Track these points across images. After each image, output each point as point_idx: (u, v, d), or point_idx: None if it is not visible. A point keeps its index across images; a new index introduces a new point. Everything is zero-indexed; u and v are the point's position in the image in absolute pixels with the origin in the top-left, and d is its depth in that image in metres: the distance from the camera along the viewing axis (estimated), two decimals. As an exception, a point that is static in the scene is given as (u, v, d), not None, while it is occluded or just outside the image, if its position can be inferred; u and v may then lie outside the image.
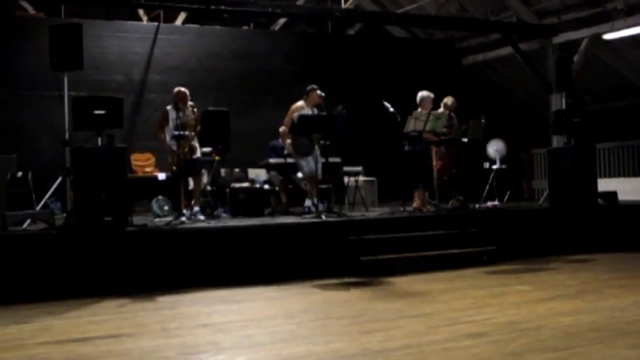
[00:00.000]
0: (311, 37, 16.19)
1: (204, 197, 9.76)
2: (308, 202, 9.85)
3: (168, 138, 9.22)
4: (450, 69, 15.75)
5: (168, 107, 9.26)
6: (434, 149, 10.39)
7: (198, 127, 9.38)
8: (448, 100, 10.65)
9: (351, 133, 12.50)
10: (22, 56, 12.27)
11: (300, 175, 9.98)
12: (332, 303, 6.89)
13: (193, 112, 9.28)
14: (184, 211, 9.18)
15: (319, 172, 9.64)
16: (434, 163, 10.45)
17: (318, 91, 9.75)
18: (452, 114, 10.73)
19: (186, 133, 9.08)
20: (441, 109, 10.43)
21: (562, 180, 10.88)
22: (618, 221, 10.72)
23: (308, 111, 9.68)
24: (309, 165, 9.64)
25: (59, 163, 9.52)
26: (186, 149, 8.99)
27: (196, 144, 9.28)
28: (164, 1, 11.90)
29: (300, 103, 9.79)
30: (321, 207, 9.70)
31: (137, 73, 13.33)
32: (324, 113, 9.65)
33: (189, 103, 9.35)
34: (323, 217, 9.09)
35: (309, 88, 9.84)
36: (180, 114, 9.16)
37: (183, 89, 9.38)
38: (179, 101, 9.26)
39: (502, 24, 14.64)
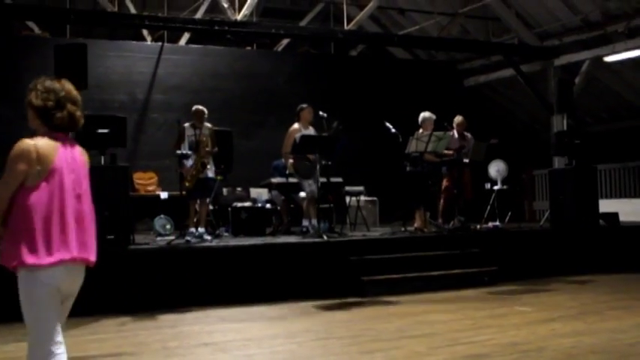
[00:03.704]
0: (314, 58, 16.27)
1: (207, 217, 9.77)
2: (306, 222, 9.89)
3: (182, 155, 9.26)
4: (452, 90, 15.82)
5: (186, 125, 9.34)
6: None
7: (215, 149, 9.45)
8: (456, 119, 10.76)
9: (352, 154, 12.54)
10: (27, 75, 12.21)
11: (302, 194, 10.01)
12: (333, 323, 6.88)
13: (208, 131, 9.31)
14: (192, 229, 9.21)
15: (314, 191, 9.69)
16: (444, 183, 10.53)
17: (313, 111, 9.90)
18: (465, 133, 10.79)
19: (189, 152, 9.09)
20: (453, 131, 10.52)
21: (563, 201, 10.90)
22: (619, 242, 10.73)
23: (305, 131, 9.77)
24: (312, 187, 9.68)
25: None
26: (200, 166, 9.02)
27: (209, 162, 9.31)
28: (168, 22, 12.00)
29: (296, 125, 9.89)
30: (322, 226, 9.72)
31: (141, 92, 13.40)
32: (326, 134, 9.71)
33: (207, 124, 9.41)
34: (324, 237, 9.11)
35: (298, 108, 9.99)
36: (197, 132, 9.22)
37: (201, 108, 9.45)
38: (195, 119, 9.33)
39: (504, 46, 14.74)
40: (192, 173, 9.05)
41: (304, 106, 9.98)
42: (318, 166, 9.59)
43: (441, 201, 10.66)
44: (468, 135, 10.88)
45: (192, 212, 9.35)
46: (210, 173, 9.42)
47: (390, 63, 16.75)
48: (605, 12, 13.20)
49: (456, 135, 10.67)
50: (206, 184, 9.29)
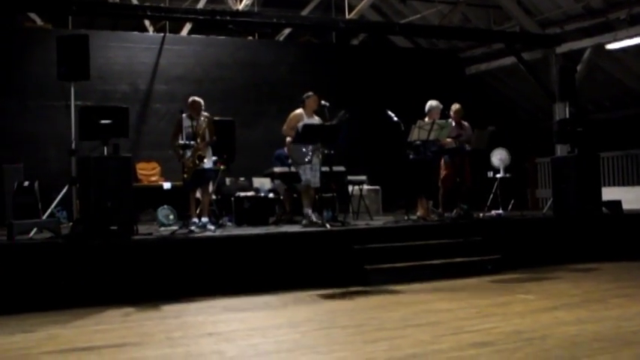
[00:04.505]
0: (315, 47, 16.26)
1: (209, 206, 9.79)
2: (307, 210, 9.82)
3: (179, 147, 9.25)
4: (454, 78, 15.80)
5: (183, 115, 9.28)
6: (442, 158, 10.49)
7: (214, 138, 9.43)
8: (453, 107, 10.73)
9: (355, 142, 12.56)
10: (30, 66, 12.36)
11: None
12: (336, 312, 6.91)
13: (205, 122, 9.29)
14: (195, 219, 9.23)
15: (315, 180, 9.64)
16: (442, 172, 10.51)
17: (318, 99, 9.83)
18: (462, 122, 10.77)
19: (192, 142, 9.08)
20: (451, 119, 10.49)
21: (566, 189, 10.90)
22: (622, 230, 10.73)
23: (307, 118, 9.72)
24: (305, 173, 9.65)
25: (65, 173, 9.55)
26: (196, 158, 9.02)
27: (207, 154, 9.30)
28: (170, 12, 11.98)
29: (299, 111, 9.83)
30: (325, 215, 9.72)
31: (143, 83, 13.41)
32: (328, 123, 9.70)
33: (204, 113, 9.38)
34: (327, 225, 9.13)
35: (305, 95, 9.90)
36: (194, 123, 9.20)
37: (197, 99, 9.41)
38: (192, 111, 9.29)
39: (505, 34, 14.70)
40: (189, 165, 9.06)
41: (310, 94, 9.90)
42: (314, 154, 9.53)
43: (441, 190, 10.66)
44: (466, 123, 10.85)
45: (192, 202, 9.37)
46: (209, 164, 9.41)
47: (391, 52, 16.73)
48: (607, -1, 13.20)
49: (454, 123, 10.63)
50: (203, 175, 9.29)
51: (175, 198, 10.77)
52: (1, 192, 10.69)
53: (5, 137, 11.90)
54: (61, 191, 9.27)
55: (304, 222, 9.62)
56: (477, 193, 11.32)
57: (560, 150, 13.03)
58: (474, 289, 8.10)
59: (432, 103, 10.38)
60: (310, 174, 9.61)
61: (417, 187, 10.34)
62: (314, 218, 9.58)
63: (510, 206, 12.37)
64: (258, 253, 8.32)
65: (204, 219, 9.37)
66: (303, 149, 9.59)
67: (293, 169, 10.13)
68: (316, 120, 9.84)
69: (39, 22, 13.92)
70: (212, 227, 9.28)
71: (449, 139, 10.41)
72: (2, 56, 12.28)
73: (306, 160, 9.58)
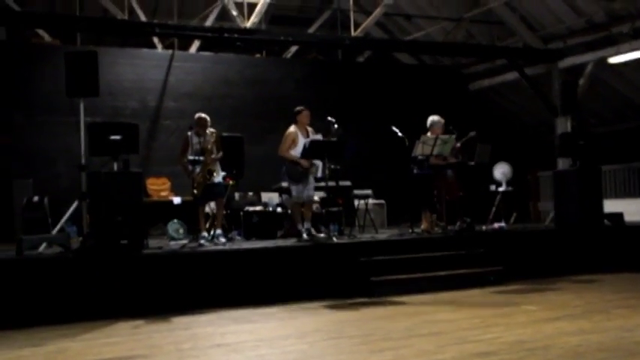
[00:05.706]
0: (322, 64, 16.41)
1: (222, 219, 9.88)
2: (307, 225, 9.66)
3: (188, 163, 9.32)
4: (457, 94, 15.94)
5: (189, 133, 9.38)
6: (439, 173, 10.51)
7: (220, 153, 9.48)
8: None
9: (361, 158, 12.67)
10: (39, 82, 12.51)
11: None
12: (343, 323, 6.98)
13: (212, 138, 9.41)
14: (204, 233, 9.34)
15: (310, 194, 9.64)
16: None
17: (309, 114, 9.72)
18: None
19: (201, 158, 9.18)
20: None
21: (568, 201, 10.95)
22: (624, 242, 10.78)
23: (301, 135, 9.61)
24: (298, 191, 9.60)
25: (75, 188, 9.66)
26: (206, 173, 9.13)
27: (216, 168, 9.40)
28: (178, 30, 12.13)
29: (292, 129, 9.66)
30: (332, 229, 9.79)
31: (152, 99, 13.57)
32: (334, 138, 9.75)
33: (210, 129, 9.48)
34: (334, 239, 9.24)
35: (296, 110, 9.74)
36: (201, 139, 9.31)
37: (203, 115, 9.47)
38: (199, 127, 9.37)
39: (508, 49, 14.81)
40: (199, 181, 9.17)
41: (301, 108, 9.72)
42: (310, 172, 9.57)
43: (438, 205, 10.72)
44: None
45: (201, 217, 9.44)
46: (218, 178, 9.50)
47: (396, 68, 16.88)
48: (610, 13, 13.25)
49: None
50: (213, 189, 9.38)
51: (185, 212, 10.89)
52: (10, 207, 10.82)
53: (15, 153, 12.05)
54: (70, 206, 9.34)
55: (304, 237, 9.54)
56: (478, 206, 11.37)
57: (562, 163, 13.12)
58: (476, 300, 8.17)
59: (433, 118, 10.47)
60: (303, 191, 9.56)
61: (421, 201, 10.44)
62: (305, 235, 9.53)
63: (513, 219, 12.45)
64: (266, 265, 8.42)
65: (218, 231, 9.47)
66: (300, 168, 9.54)
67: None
68: (310, 132, 9.73)
69: (47, 38, 14.04)
70: (223, 240, 9.39)
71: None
72: (11, 71, 12.44)
73: (303, 178, 9.58)
